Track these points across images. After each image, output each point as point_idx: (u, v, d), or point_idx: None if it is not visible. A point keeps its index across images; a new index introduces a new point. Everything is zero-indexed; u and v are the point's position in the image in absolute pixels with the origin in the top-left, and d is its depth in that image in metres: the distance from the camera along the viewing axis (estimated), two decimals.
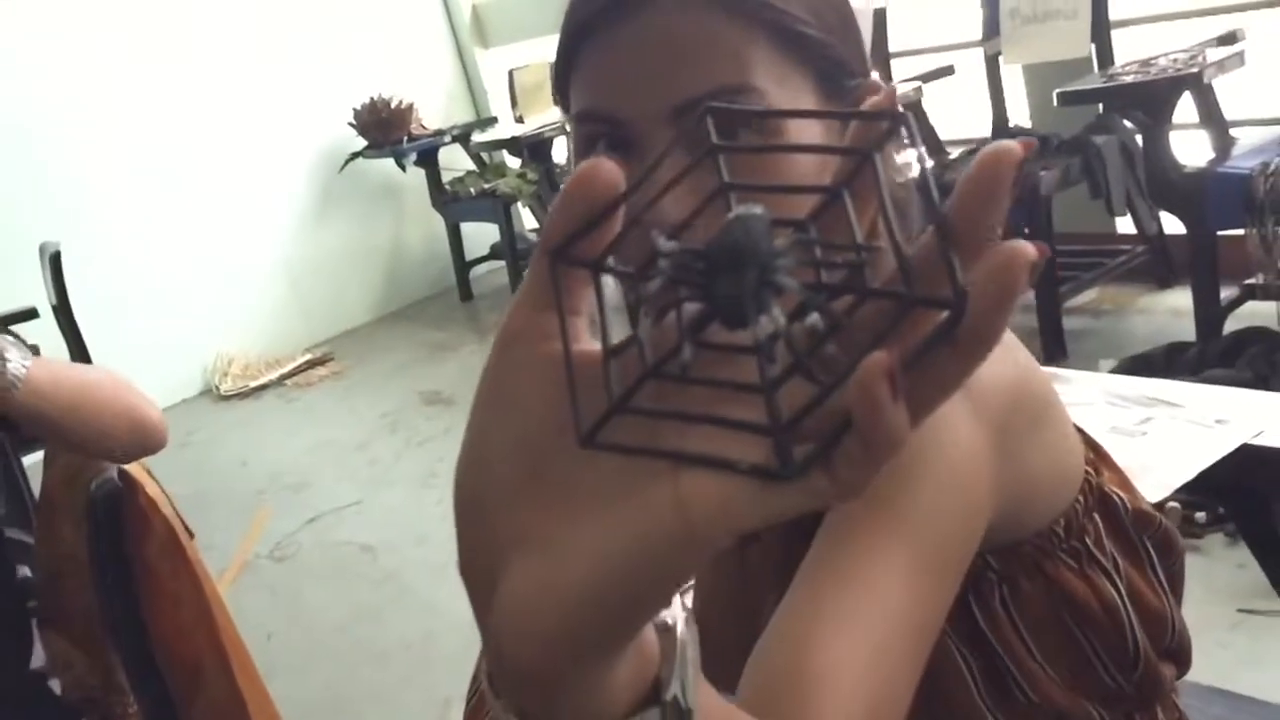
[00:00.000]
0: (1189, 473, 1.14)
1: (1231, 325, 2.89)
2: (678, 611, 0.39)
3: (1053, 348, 3.21)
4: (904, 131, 0.32)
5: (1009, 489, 0.70)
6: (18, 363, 1.13)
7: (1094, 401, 1.30)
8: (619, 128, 0.68)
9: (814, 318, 0.31)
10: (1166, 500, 1.18)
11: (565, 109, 0.72)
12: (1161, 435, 1.20)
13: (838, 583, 0.62)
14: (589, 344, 0.36)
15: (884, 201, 0.31)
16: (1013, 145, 0.31)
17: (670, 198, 0.36)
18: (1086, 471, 0.80)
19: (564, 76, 0.71)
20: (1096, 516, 0.79)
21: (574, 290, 0.36)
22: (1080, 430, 0.85)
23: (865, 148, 0.33)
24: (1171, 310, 3.33)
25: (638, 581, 0.33)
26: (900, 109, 0.33)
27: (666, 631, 0.39)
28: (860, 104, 0.34)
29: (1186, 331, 2.98)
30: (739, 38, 0.65)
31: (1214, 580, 2.11)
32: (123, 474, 1.33)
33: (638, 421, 0.33)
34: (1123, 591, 0.79)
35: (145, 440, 1.29)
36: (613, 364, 0.34)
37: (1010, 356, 0.74)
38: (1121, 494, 0.82)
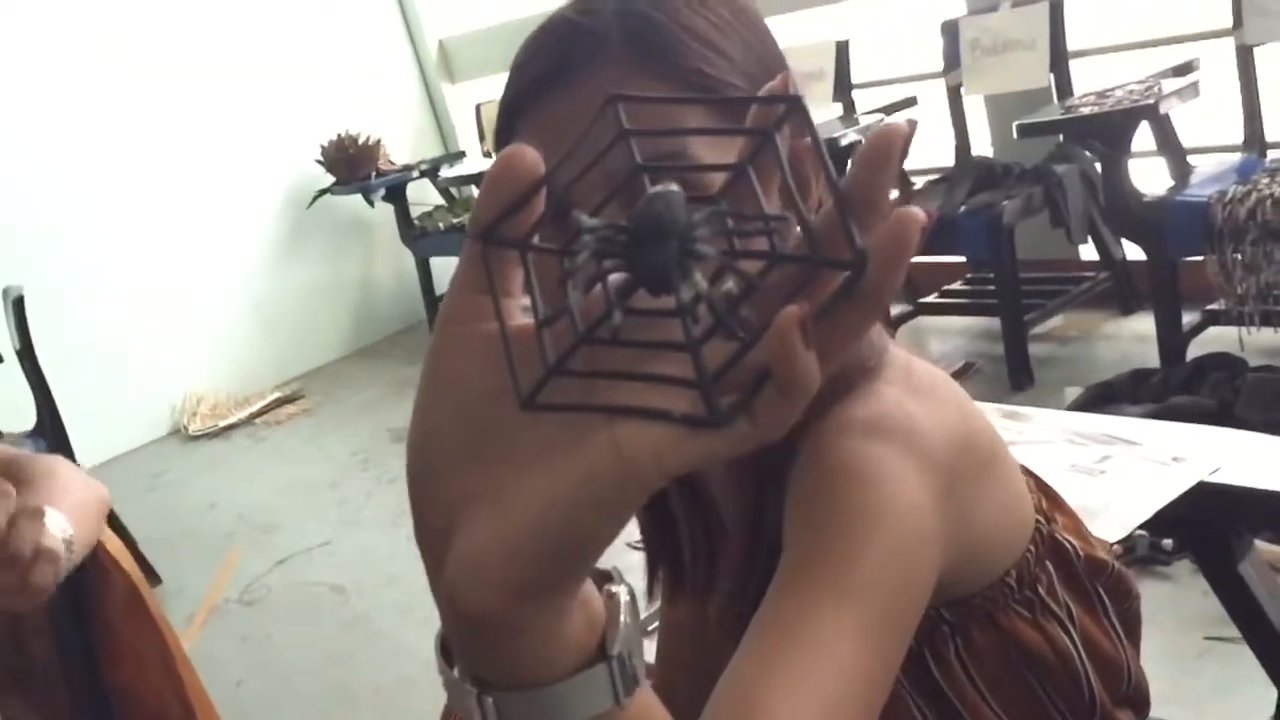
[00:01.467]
0: (1147, 511, 1.15)
1: (1195, 350, 2.92)
2: (623, 587, 0.44)
3: (1019, 375, 3.23)
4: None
5: (958, 541, 0.70)
6: (62, 536, 1.11)
7: (1054, 439, 1.30)
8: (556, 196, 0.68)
9: (730, 282, 0.35)
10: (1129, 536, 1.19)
11: None
12: (1120, 473, 1.20)
13: (786, 639, 0.61)
14: (521, 320, 0.39)
15: (785, 175, 0.35)
16: (900, 124, 0.36)
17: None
18: (1037, 520, 0.80)
19: (500, 135, 0.72)
20: (1049, 564, 0.79)
21: (504, 270, 0.39)
22: (1032, 475, 0.86)
23: (765, 128, 0.36)
24: (1136, 336, 3.35)
25: (582, 522, 0.37)
26: (794, 93, 0.36)
27: (611, 598, 0.43)
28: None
29: (1151, 357, 3.01)
30: (675, 108, 0.66)
31: (1182, 608, 2.12)
32: None
33: (571, 384, 0.36)
34: (1077, 640, 0.79)
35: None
36: (545, 333, 0.37)
37: (954, 406, 0.75)
38: (1074, 541, 0.82)
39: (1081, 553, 0.82)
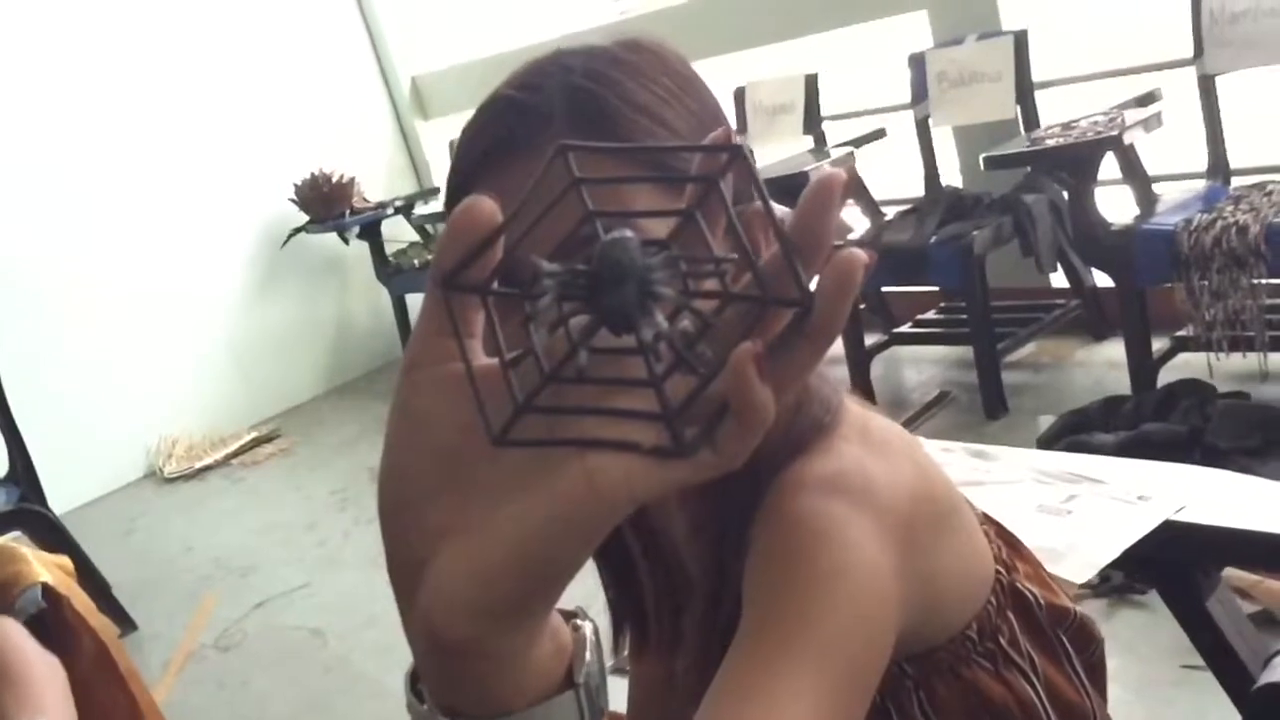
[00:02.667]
0: (1113, 552, 1.15)
1: (1167, 376, 2.94)
2: (588, 623, 0.47)
3: (993, 404, 3.25)
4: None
5: (918, 597, 0.70)
6: None
7: (1021, 479, 1.31)
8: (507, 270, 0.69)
9: (687, 320, 0.37)
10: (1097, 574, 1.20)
11: None
12: (1086, 513, 1.21)
13: (744, 702, 0.61)
14: (484, 361, 0.41)
15: (732, 219, 0.37)
16: (837, 172, 0.38)
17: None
18: (998, 570, 0.80)
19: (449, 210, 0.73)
20: (1010, 615, 0.80)
21: (466, 314, 0.41)
22: (992, 523, 0.86)
23: (710, 175, 0.38)
24: (1108, 362, 3.38)
25: (554, 548, 0.39)
26: (737, 142, 0.39)
27: (577, 631, 0.46)
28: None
29: (1123, 383, 3.03)
30: (622, 200, 0.66)
31: (1158, 637, 2.13)
32: (47, 589, 1.30)
33: (538, 419, 0.38)
34: (1040, 690, 0.79)
35: None
36: (512, 373, 0.39)
37: (910, 462, 0.75)
38: (1035, 589, 0.83)
39: (1043, 601, 0.82)
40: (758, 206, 0.38)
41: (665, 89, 0.69)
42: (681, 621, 0.84)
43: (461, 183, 0.71)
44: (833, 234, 0.38)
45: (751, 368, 0.35)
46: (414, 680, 0.46)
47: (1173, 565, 1.18)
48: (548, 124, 0.67)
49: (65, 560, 1.54)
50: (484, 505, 0.40)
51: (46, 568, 1.35)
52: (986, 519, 0.86)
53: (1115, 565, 1.18)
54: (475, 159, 0.69)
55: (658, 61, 0.70)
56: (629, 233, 0.38)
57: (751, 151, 0.39)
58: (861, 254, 0.37)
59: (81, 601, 1.37)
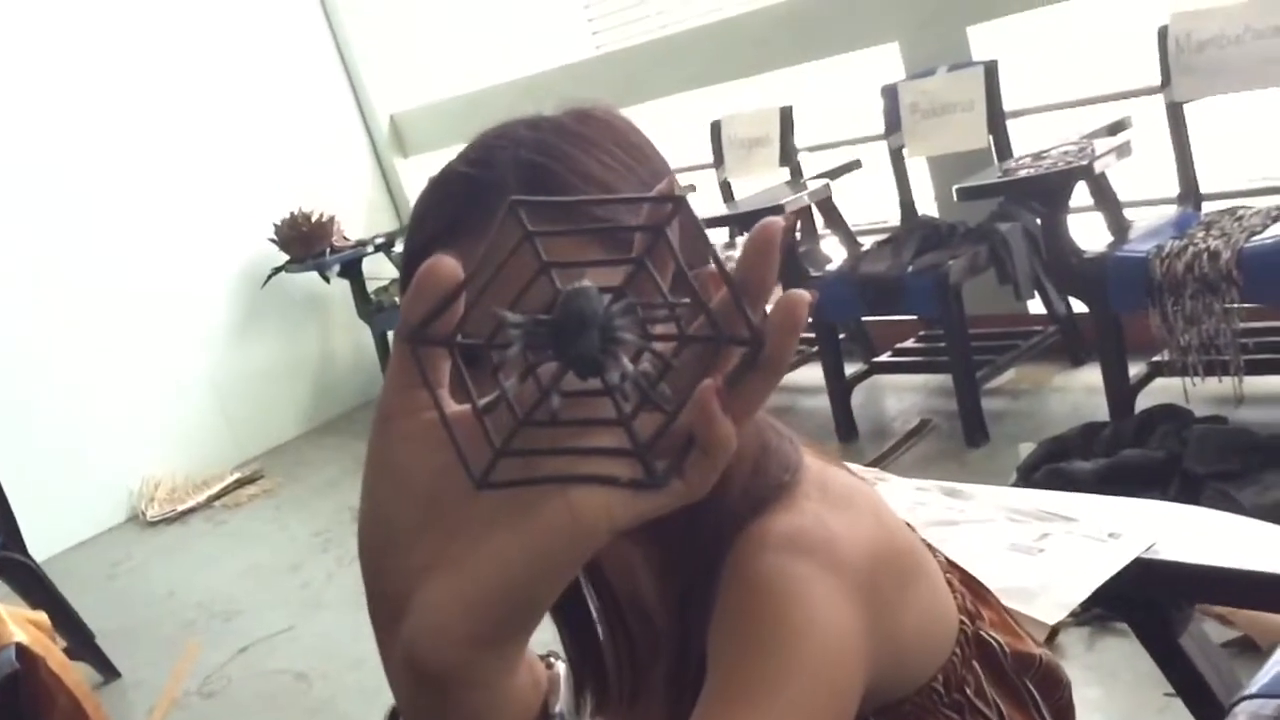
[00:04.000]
0: (1085, 590, 1.16)
1: (1145, 401, 2.96)
2: (561, 664, 0.50)
3: (974, 432, 3.26)
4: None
5: (883, 652, 0.71)
6: None
7: (994, 518, 1.32)
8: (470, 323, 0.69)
9: (647, 363, 0.40)
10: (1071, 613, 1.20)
11: None
12: (1058, 551, 1.22)
13: None
14: (455, 409, 0.43)
15: (680, 265, 0.40)
16: (776, 220, 0.41)
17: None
18: (962, 620, 0.81)
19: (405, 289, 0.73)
20: (976, 665, 0.80)
21: (434, 366, 0.43)
22: (957, 569, 0.86)
23: (657, 225, 0.41)
24: (1086, 387, 3.40)
25: (538, 576, 0.42)
26: (679, 194, 0.41)
27: (551, 667, 0.49)
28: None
29: (1102, 408, 3.04)
30: (573, 252, 0.67)
31: (1141, 664, 2.10)
32: (22, 649, 1.29)
33: (513, 461, 0.41)
34: None
35: None
36: (486, 419, 0.41)
37: (872, 517, 0.75)
38: (1000, 637, 0.83)
39: (1008, 649, 0.83)
40: (711, 269, 0.41)
41: (616, 159, 0.70)
42: (646, 678, 0.84)
43: (420, 257, 0.71)
44: (775, 275, 0.41)
45: (715, 401, 0.39)
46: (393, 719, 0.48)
47: (1145, 602, 1.19)
48: (501, 198, 0.67)
49: (41, 617, 1.53)
50: (465, 542, 0.42)
51: (21, 627, 1.34)
52: (951, 566, 0.86)
53: (1088, 602, 1.19)
54: (432, 234, 0.69)
55: (608, 131, 0.71)
56: (588, 283, 0.40)
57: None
58: (805, 293, 0.40)
59: (57, 660, 1.36)
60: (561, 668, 0.50)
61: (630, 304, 0.40)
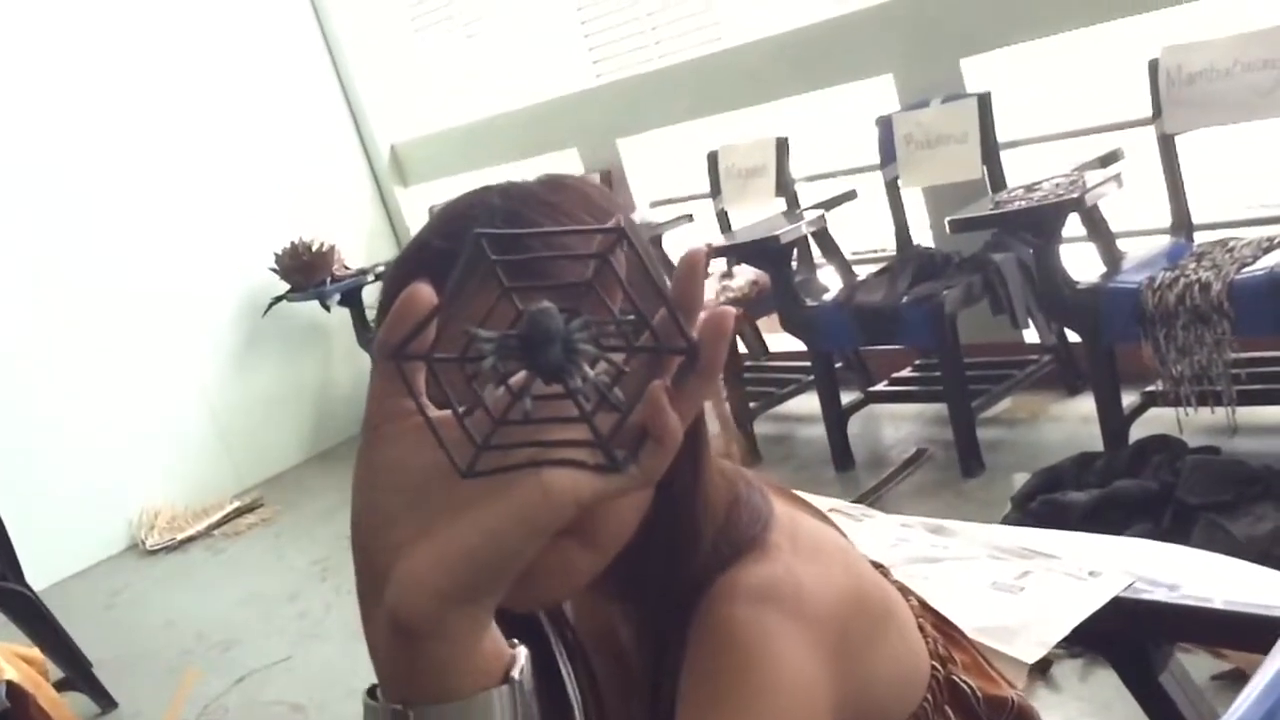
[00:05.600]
0: (1065, 628, 1.17)
1: (1139, 430, 2.96)
2: (521, 647, 0.55)
3: (969, 462, 3.27)
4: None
5: (852, 701, 0.72)
6: None
7: (977, 555, 1.33)
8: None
9: (603, 370, 0.47)
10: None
11: None
12: (1039, 589, 1.23)
13: None
14: (436, 413, 0.49)
15: (624, 287, 0.48)
16: (700, 248, 0.49)
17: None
18: (934, 665, 0.81)
19: None
20: (948, 709, 0.81)
21: (413, 378, 0.50)
22: (931, 612, 0.87)
23: (604, 252, 0.48)
24: (1082, 417, 3.40)
25: (508, 541, 0.48)
26: (621, 223, 0.48)
27: (514, 646, 0.54)
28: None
29: (1098, 437, 3.04)
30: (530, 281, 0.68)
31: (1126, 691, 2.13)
32: (12, 686, 1.30)
33: (491, 454, 0.48)
34: None
35: None
36: (466, 420, 0.48)
37: (841, 566, 0.76)
38: (972, 681, 0.84)
39: (981, 693, 0.83)
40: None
41: (581, 222, 0.71)
42: (617, 711, 0.85)
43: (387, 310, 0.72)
44: (703, 293, 0.48)
45: (664, 399, 0.47)
46: (370, 695, 0.54)
47: (1124, 640, 1.19)
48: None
49: (34, 653, 1.54)
50: (449, 517, 0.49)
51: (11, 663, 1.35)
52: (924, 609, 0.87)
53: (1069, 640, 1.19)
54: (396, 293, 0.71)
55: (580, 199, 0.72)
56: (548, 304, 0.47)
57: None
58: (730, 310, 0.48)
59: (47, 696, 1.37)
60: (523, 650, 0.54)
61: (587, 321, 0.47)
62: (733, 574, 0.72)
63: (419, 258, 0.69)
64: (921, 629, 0.84)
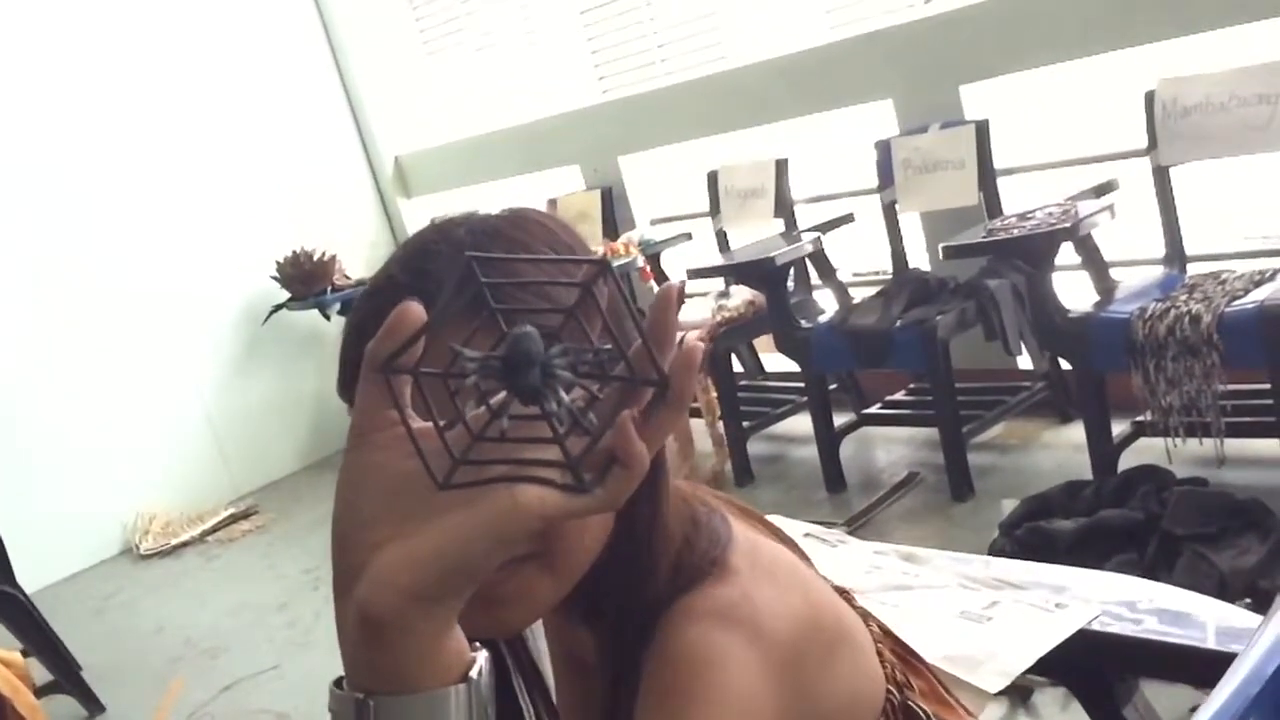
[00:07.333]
0: (1029, 659, 1.18)
1: (1129, 460, 2.97)
2: (483, 651, 0.57)
3: (960, 486, 3.27)
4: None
5: None
6: None
7: (948, 584, 1.34)
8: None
9: (576, 394, 0.49)
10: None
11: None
12: (1005, 620, 1.24)
13: None
14: (419, 424, 0.52)
15: (604, 318, 0.50)
16: (673, 285, 0.51)
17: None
18: (889, 690, 0.82)
19: (348, 385, 0.73)
20: None
21: (399, 391, 0.52)
22: (891, 638, 0.88)
23: (586, 282, 0.51)
24: (1074, 445, 3.41)
25: (476, 546, 0.50)
26: (603, 257, 0.52)
27: (476, 650, 0.56)
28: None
29: (1088, 465, 3.05)
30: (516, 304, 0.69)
31: None
32: None
33: (468, 468, 0.50)
34: None
35: None
36: (446, 435, 0.50)
37: (799, 590, 0.78)
38: (928, 707, 0.85)
39: (936, 719, 0.85)
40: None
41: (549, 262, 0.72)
42: None
43: (356, 367, 0.72)
44: (675, 328, 0.51)
45: (632, 427, 0.49)
46: (337, 684, 0.56)
47: (1089, 672, 1.20)
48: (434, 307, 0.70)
49: (14, 657, 1.55)
50: (423, 521, 0.51)
51: None
52: (885, 635, 0.88)
53: (1034, 671, 1.21)
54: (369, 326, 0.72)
55: (544, 233, 0.73)
56: (530, 328, 0.49)
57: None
58: (700, 345, 0.50)
59: (25, 702, 1.38)
60: (483, 654, 0.56)
61: (565, 348, 0.49)
62: (690, 597, 0.73)
63: (381, 293, 0.70)
64: (880, 654, 0.85)
